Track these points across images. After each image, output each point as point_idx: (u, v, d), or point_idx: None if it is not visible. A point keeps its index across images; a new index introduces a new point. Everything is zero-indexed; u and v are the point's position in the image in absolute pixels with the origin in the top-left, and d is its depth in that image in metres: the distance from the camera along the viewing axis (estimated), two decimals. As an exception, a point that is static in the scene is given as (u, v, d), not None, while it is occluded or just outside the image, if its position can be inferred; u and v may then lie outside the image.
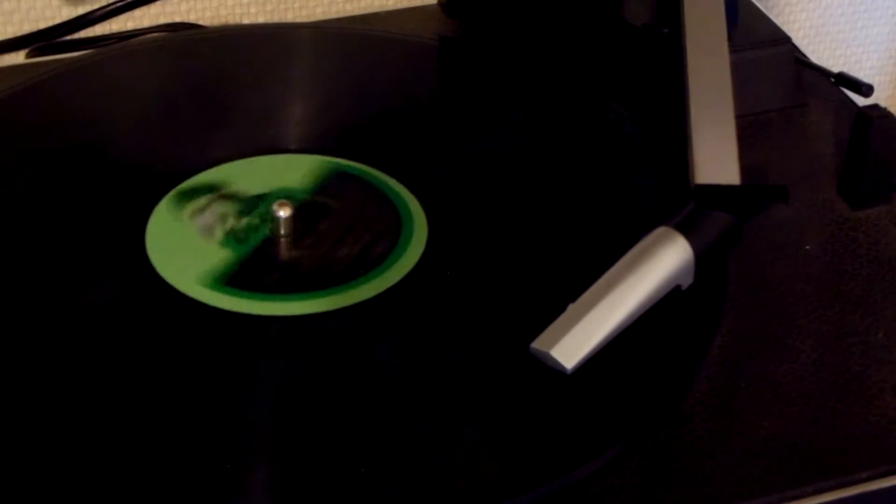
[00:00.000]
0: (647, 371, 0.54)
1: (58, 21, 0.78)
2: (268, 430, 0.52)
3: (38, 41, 0.77)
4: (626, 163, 0.65)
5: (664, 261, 0.54)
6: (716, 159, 0.58)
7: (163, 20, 0.82)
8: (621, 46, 0.71)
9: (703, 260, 0.55)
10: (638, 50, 0.70)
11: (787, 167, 0.66)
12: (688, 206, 0.56)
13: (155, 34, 0.79)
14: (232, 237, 0.60)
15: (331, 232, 0.60)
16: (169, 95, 0.69)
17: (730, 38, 0.63)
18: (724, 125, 0.59)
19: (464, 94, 0.70)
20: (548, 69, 0.70)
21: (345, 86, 0.70)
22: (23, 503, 0.48)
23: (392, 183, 0.63)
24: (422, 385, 0.53)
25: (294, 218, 0.59)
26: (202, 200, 0.61)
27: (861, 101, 0.69)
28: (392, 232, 0.60)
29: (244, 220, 0.61)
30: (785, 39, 0.70)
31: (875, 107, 0.62)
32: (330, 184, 0.63)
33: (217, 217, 0.61)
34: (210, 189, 0.62)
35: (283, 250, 0.59)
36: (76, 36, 0.78)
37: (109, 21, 0.79)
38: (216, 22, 0.84)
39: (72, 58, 0.73)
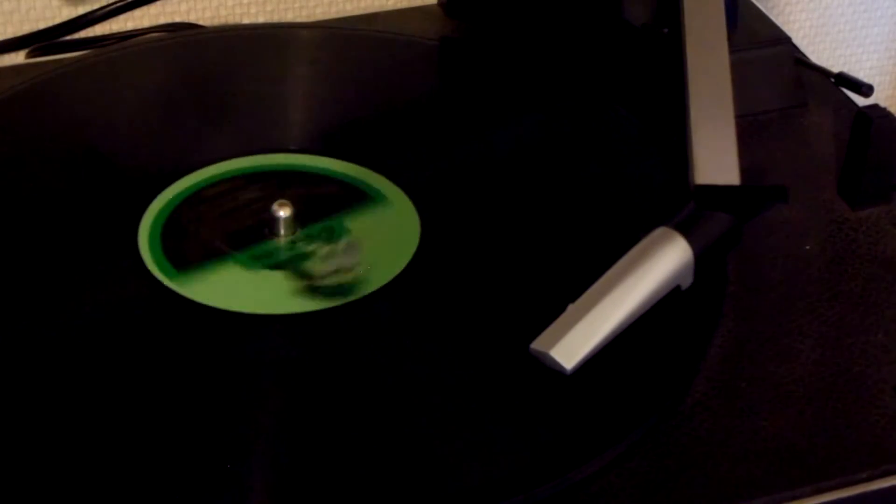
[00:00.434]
0: (647, 371, 0.54)
1: (58, 21, 0.78)
2: (266, 430, 0.52)
3: (38, 41, 0.77)
4: (626, 163, 0.65)
5: (664, 261, 0.54)
6: (716, 159, 0.58)
7: (163, 20, 0.82)
8: (621, 46, 0.71)
9: (702, 260, 0.55)
10: (638, 50, 0.70)
11: (787, 167, 0.66)
12: (687, 207, 0.56)
13: (155, 34, 0.79)
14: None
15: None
16: (169, 95, 0.69)
17: (730, 38, 0.63)
18: (724, 125, 0.59)
19: (464, 94, 0.70)
20: (547, 69, 0.70)
21: (345, 86, 0.70)
22: (23, 503, 0.48)
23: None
24: (421, 385, 0.53)
25: (293, 219, 0.60)
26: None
27: (861, 101, 0.69)
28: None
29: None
30: (785, 39, 0.70)
31: (875, 107, 0.62)
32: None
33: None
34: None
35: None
36: (76, 36, 0.78)
37: (109, 21, 0.79)
38: (216, 22, 0.84)
39: (72, 58, 0.73)
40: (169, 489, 0.49)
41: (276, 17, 0.85)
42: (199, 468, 0.50)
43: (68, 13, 0.79)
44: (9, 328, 0.55)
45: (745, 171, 0.58)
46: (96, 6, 0.78)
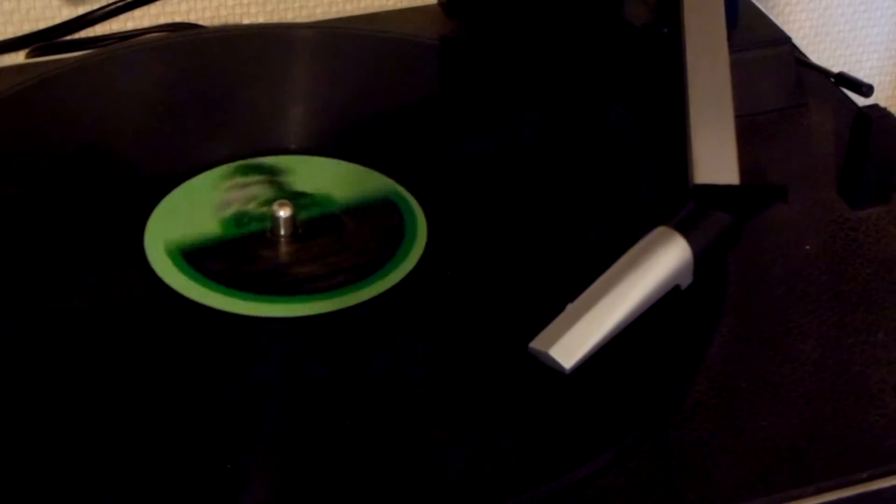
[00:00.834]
0: (647, 371, 0.54)
1: (58, 21, 0.78)
2: (268, 432, 0.52)
3: (38, 41, 0.77)
4: (626, 163, 0.65)
5: (663, 261, 0.54)
6: (715, 159, 0.58)
7: (163, 20, 0.82)
8: (621, 46, 0.71)
9: (702, 260, 0.55)
10: (638, 50, 0.70)
11: (787, 167, 0.65)
12: (687, 206, 0.56)
13: (155, 34, 0.79)
14: (234, 218, 0.60)
15: (327, 244, 0.60)
16: (169, 95, 0.69)
17: (730, 38, 0.63)
18: (723, 125, 0.59)
19: (464, 94, 0.70)
20: (548, 69, 0.70)
21: (345, 86, 0.70)
22: (23, 503, 0.48)
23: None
24: (421, 386, 0.53)
25: (293, 219, 0.60)
26: (252, 178, 0.61)
27: (861, 101, 0.69)
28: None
29: (262, 209, 0.60)
30: (785, 39, 0.70)
31: (875, 107, 0.62)
32: (367, 205, 0.62)
33: (247, 197, 0.61)
34: (268, 171, 0.62)
35: (268, 248, 0.59)
36: (76, 36, 0.78)
37: (109, 21, 0.79)
38: (216, 22, 0.84)
39: (72, 58, 0.73)
40: (169, 489, 0.49)
41: (276, 17, 0.85)
42: (198, 468, 0.50)
43: (68, 13, 0.79)
44: (9, 328, 0.55)
45: (745, 171, 0.58)
46: (96, 6, 0.78)
